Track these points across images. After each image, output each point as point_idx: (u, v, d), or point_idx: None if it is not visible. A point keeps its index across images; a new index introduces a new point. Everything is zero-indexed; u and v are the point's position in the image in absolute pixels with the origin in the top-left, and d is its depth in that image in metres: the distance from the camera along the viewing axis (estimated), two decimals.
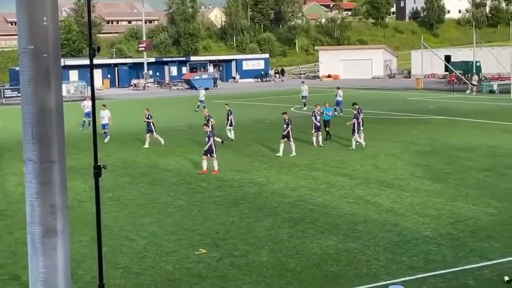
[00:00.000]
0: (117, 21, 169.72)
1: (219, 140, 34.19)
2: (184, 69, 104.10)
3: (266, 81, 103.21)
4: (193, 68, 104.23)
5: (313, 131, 34.57)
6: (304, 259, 16.47)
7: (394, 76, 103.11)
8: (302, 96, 56.93)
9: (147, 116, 36.18)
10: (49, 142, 5.33)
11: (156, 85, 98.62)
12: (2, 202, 23.81)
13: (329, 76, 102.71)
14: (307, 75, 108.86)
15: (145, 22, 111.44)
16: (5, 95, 78.52)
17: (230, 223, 20.06)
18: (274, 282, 14.96)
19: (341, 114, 48.03)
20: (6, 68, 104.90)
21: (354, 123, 33.68)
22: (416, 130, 39.97)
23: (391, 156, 31.22)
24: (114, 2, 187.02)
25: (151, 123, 35.97)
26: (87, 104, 44.61)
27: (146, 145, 35.36)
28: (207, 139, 28.44)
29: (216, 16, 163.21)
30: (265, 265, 16.04)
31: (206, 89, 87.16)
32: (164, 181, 26.77)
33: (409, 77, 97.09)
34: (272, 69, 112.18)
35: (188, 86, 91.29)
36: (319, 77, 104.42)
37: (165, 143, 35.71)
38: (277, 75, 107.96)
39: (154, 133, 35.93)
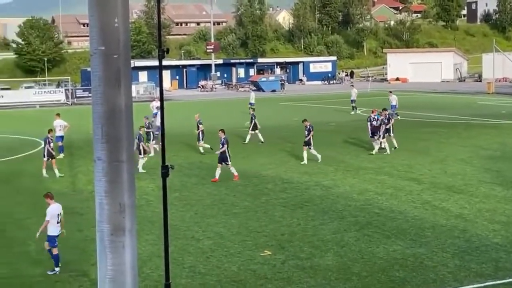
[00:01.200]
0: (186, 23, 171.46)
1: (208, 146, 33.84)
2: (251, 71, 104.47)
3: (333, 83, 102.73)
4: (260, 70, 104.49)
5: (370, 136, 34.04)
6: (370, 263, 16.31)
7: (464, 80, 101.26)
8: (352, 100, 56.36)
9: (198, 121, 35.20)
10: (118, 142, 5.39)
11: (224, 86, 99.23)
12: (73, 200, 24.29)
13: (397, 79, 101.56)
14: (375, 78, 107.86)
15: (214, 24, 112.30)
16: (77, 95, 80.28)
17: (295, 225, 20.02)
18: (339, 285, 14.85)
19: (398, 117, 47.21)
20: (78, 69, 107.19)
21: (381, 128, 33.17)
22: (487, 135, 39.14)
23: (460, 160, 30.65)
24: (183, 4, 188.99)
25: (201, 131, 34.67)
26: (156, 104, 45.17)
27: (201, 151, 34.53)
28: (221, 146, 27.68)
29: (284, 18, 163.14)
30: (330, 268, 15.95)
31: (273, 91, 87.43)
32: (230, 182, 26.88)
33: (480, 81, 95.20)
34: (342, 71, 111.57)
35: (255, 88, 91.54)
36: (387, 80, 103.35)
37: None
38: (347, 77, 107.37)
39: (201, 141, 34.70)
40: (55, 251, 16.36)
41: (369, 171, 28.63)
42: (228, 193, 24.88)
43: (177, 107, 64.85)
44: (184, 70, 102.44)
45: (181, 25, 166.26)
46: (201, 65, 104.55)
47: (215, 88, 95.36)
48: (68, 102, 77.92)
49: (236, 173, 27.28)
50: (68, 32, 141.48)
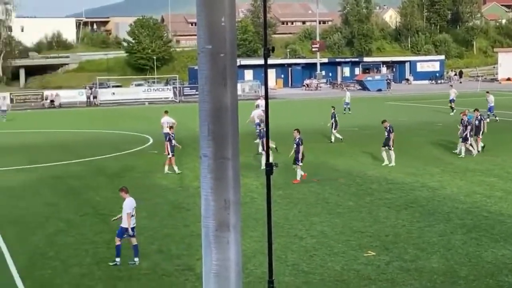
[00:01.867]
0: (292, 22, 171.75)
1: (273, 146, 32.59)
2: (357, 70, 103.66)
3: (441, 83, 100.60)
4: (366, 69, 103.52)
5: (460, 138, 32.71)
6: (478, 267, 15.88)
7: None
8: (450, 100, 54.83)
9: (258, 123, 34.84)
10: (224, 139, 5.46)
11: (328, 85, 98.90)
12: (180, 195, 24.81)
13: (508, 79, 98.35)
14: (485, 78, 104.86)
15: (319, 23, 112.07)
16: (184, 93, 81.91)
17: (400, 227, 19.73)
18: None
19: (496, 119, 45.59)
20: (185, 67, 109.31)
21: (468, 129, 31.69)
22: None
23: None
24: (289, 3, 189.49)
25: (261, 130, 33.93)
26: (261, 103, 45.47)
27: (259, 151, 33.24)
28: (295, 146, 27.00)
29: (391, 17, 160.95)
30: (436, 271, 15.63)
31: (379, 90, 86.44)
32: (334, 181, 26.77)
33: None
34: (451, 70, 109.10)
35: (360, 87, 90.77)
36: (498, 80, 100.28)
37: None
38: (455, 77, 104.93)
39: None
40: (117, 241, 16.70)
41: (477, 173, 27.88)
42: (332, 192, 24.78)
43: (281, 105, 65.10)
44: (289, 69, 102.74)
45: (286, 24, 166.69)
46: (306, 64, 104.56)
47: (320, 87, 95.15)
48: (175, 100, 79.57)
49: (298, 178, 26.65)
50: (176, 31, 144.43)
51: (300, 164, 26.87)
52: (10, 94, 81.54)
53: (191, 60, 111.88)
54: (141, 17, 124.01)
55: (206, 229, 5.53)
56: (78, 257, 17.33)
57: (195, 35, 5.62)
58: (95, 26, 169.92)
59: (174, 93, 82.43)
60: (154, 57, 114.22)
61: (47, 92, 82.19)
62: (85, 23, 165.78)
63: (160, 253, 17.61)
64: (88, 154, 35.86)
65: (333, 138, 38.01)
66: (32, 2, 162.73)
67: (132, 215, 16.89)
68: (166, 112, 38.30)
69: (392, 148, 30.09)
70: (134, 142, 40.76)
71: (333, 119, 38.19)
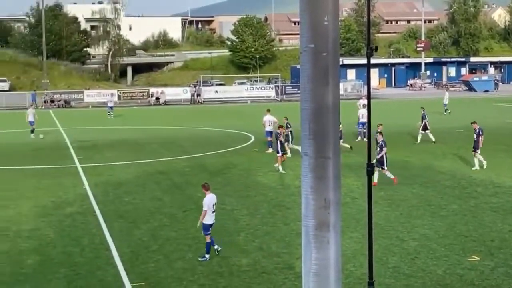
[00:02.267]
0: (396, 21, 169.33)
1: (347, 146, 33.24)
2: (463, 70, 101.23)
3: None
4: (473, 70, 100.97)
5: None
6: None
7: None
8: None
9: (286, 125, 33.72)
10: (325, 138, 5.44)
11: (433, 85, 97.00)
12: (280, 194, 24.91)
13: None
14: None
15: (424, 22, 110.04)
16: (286, 92, 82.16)
17: (506, 232, 19.14)
18: None
19: None
20: (288, 66, 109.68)
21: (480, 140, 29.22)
22: None
23: None
24: (393, 2, 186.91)
25: (288, 133, 33.38)
26: (363, 102, 45.11)
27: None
28: (378, 149, 26.08)
29: (500, 16, 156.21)
30: None
31: (486, 91, 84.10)
32: (438, 183, 26.23)
33: None
34: None
35: (466, 88, 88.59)
36: None
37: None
38: None
39: (290, 144, 33.20)
40: (207, 238, 16.94)
41: None
42: (435, 194, 24.29)
43: (383, 106, 64.33)
44: (393, 68, 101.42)
45: (391, 22, 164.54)
46: (410, 63, 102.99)
47: (424, 87, 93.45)
48: (277, 98, 79.91)
49: (393, 176, 25.88)
50: (279, 30, 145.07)
51: (385, 167, 26.08)
52: (118, 91, 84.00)
53: (294, 59, 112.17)
54: (244, 16, 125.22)
55: (306, 228, 5.53)
56: (180, 252, 17.66)
57: (298, 34, 5.62)
58: (199, 25, 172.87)
59: (276, 92, 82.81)
60: (257, 56, 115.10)
61: (152, 90, 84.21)
62: (190, 22, 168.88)
63: (260, 250, 17.72)
64: (192, 151, 36.51)
65: (419, 139, 37.21)
66: (140, 2, 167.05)
67: (213, 212, 17.12)
68: (268, 110, 38.52)
69: (478, 152, 28.95)
70: (236, 140, 41.18)
71: (424, 119, 37.35)
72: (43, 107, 74.42)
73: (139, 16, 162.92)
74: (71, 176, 29.35)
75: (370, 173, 7.52)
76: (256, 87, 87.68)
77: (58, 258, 17.32)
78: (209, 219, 17.04)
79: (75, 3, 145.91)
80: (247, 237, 18.92)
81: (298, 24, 5.58)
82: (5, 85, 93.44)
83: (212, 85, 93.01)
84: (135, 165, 32.12)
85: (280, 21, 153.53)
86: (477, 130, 29.33)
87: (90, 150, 37.31)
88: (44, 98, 78.95)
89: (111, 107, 62.32)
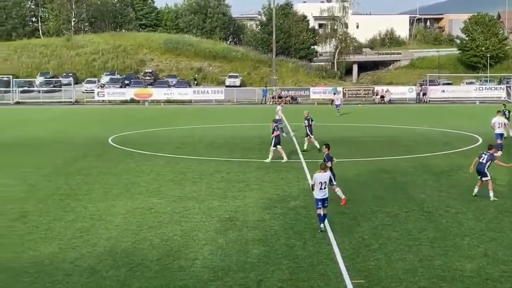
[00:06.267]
0: None
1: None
2: None
3: None
4: None
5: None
6: None
7: None
8: None
9: (306, 117, 36.37)
10: None
11: None
12: (509, 199, 23.77)
13: None
14: None
15: None
16: None
17: None
18: None
19: None
20: None
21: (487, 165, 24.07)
22: None
23: None
24: None
25: (307, 127, 36.05)
26: None
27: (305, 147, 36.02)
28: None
29: None
30: None
31: None
32: None
33: None
34: None
35: None
36: None
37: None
38: None
39: (311, 137, 36.01)
40: (318, 211, 19.35)
41: None
42: None
43: None
44: None
45: None
46: None
47: None
48: (508, 100, 76.39)
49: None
50: None
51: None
52: (343, 88, 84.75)
53: None
54: (476, 14, 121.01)
55: None
56: (401, 252, 17.43)
57: None
58: (428, 23, 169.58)
59: (508, 93, 79.21)
60: (488, 55, 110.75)
61: (377, 88, 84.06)
62: (418, 20, 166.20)
63: (486, 256, 17.03)
64: (416, 151, 35.96)
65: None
66: (368, 0, 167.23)
67: (321, 188, 19.24)
68: (498, 112, 37.02)
69: None
70: (463, 141, 40.02)
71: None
72: (271, 103, 77.01)
73: (366, 14, 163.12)
74: (294, 171, 30.00)
75: None
76: (485, 87, 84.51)
77: (281, 249, 17.78)
78: (318, 194, 19.30)
79: (304, 2, 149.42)
80: (472, 242, 18.27)
81: None
82: (237, 81, 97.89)
83: (439, 84, 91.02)
84: (358, 163, 32.19)
85: None
86: None
87: (314, 146, 37.80)
88: (272, 94, 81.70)
89: (337, 105, 63.13)
